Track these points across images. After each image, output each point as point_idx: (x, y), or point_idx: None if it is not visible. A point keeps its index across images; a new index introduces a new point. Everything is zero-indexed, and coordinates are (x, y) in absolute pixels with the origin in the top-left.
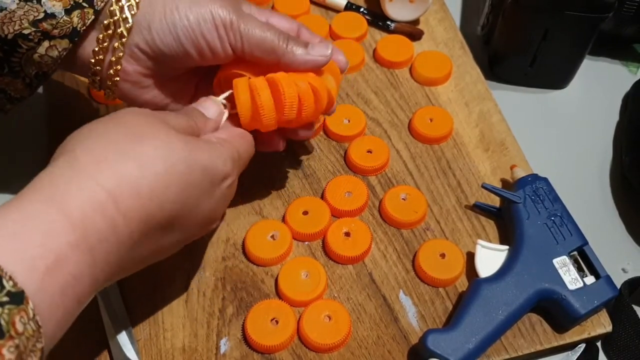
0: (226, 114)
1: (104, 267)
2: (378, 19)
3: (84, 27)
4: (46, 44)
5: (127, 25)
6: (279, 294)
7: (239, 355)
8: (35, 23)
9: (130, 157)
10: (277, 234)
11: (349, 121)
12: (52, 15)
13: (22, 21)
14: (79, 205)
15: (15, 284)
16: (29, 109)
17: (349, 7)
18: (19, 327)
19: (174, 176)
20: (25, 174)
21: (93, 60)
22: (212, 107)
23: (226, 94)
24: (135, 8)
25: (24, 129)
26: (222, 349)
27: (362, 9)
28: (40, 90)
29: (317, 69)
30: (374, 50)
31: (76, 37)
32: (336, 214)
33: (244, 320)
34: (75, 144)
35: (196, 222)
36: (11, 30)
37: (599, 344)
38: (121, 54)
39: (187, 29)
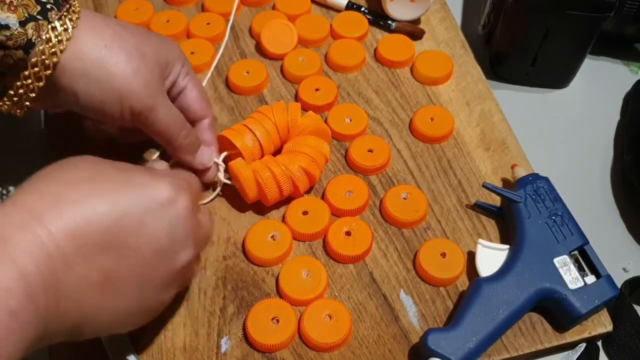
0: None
1: (39, 281)
2: (379, 18)
3: (39, 39)
4: (1, 52)
5: (54, 60)
6: (279, 293)
7: (239, 355)
8: None
9: (55, 179)
10: (277, 234)
11: (350, 120)
12: (7, 27)
13: None
14: (7, 225)
15: None
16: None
17: (350, 6)
18: None
19: (101, 190)
20: (25, 174)
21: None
22: (157, 163)
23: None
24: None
25: (24, 129)
26: (223, 348)
27: (363, 9)
28: None
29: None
30: (375, 50)
31: (30, 48)
32: (337, 214)
33: (245, 319)
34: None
35: (151, 246)
36: None
37: (599, 343)
38: (41, 84)
39: (91, 101)
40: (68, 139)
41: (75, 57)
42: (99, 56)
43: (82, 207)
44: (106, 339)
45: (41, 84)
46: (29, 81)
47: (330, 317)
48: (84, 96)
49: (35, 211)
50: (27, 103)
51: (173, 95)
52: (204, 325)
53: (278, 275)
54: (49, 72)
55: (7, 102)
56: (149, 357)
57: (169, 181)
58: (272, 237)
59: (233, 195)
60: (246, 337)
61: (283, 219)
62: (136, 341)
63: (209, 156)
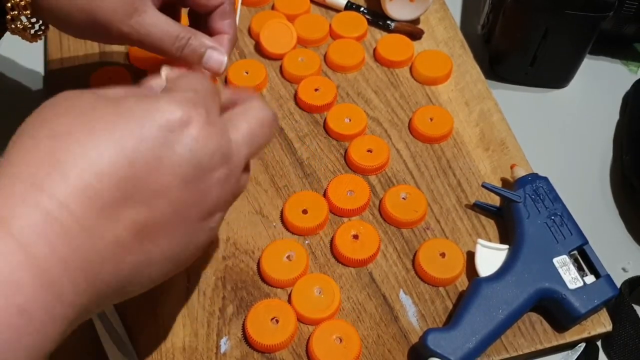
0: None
1: (58, 264)
2: (378, 18)
3: None
4: None
5: None
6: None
7: (239, 355)
8: None
9: (43, 132)
10: (292, 255)
11: (350, 120)
12: None
13: None
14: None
15: None
16: (29, 108)
17: (349, 6)
18: None
19: (100, 133)
20: None
21: None
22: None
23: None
24: None
25: (24, 94)
26: (223, 349)
27: (362, 9)
28: (40, 88)
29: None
30: (374, 50)
31: None
32: (338, 213)
33: (244, 319)
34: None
35: (176, 179)
36: None
37: (599, 343)
38: None
39: (71, 22)
40: None
41: None
42: None
43: (85, 160)
44: (105, 340)
45: None
46: None
47: (341, 340)
48: (65, 16)
49: (33, 178)
50: (27, 23)
51: None
52: (203, 326)
53: (291, 292)
54: None
55: (10, 21)
56: (148, 358)
57: (174, 99)
58: (288, 257)
59: None
60: (246, 337)
61: (281, 217)
62: (135, 342)
63: (218, 60)
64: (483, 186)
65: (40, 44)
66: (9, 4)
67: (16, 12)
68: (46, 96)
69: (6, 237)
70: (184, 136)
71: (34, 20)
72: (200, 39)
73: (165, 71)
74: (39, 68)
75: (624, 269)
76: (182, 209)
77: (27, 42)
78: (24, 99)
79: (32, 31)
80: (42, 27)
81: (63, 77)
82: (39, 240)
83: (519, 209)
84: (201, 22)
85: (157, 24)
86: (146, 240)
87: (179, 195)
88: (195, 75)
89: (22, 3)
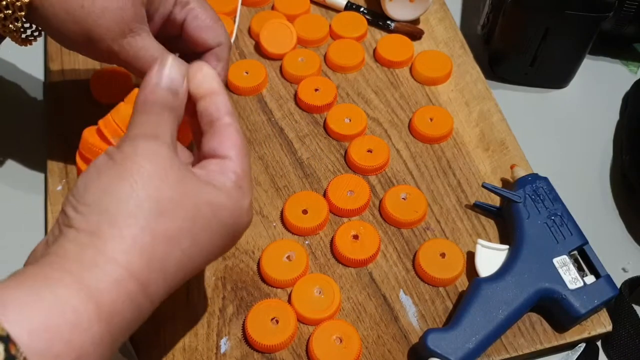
0: None
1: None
2: (378, 18)
3: None
4: None
5: None
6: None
7: (239, 355)
8: None
9: (144, 227)
10: (292, 255)
11: (349, 120)
12: None
13: None
14: (107, 291)
15: None
16: (29, 108)
17: (349, 6)
18: None
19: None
20: (25, 174)
21: None
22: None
23: None
24: None
25: (24, 129)
26: (223, 349)
27: (362, 9)
28: (40, 88)
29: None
30: (374, 50)
31: None
32: (338, 213)
33: (244, 319)
34: (92, 207)
35: (217, 244)
36: None
37: (599, 343)
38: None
39: (62, 37)
40: (68, 112)
41: None
42: None
43: (175, 260)
44: None
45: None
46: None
47: (341, 341)
48: (59, 25)
49: (128, 266)
50: (19, 24)
51: (173, 28)
52: (203, 326)
53: (291, 292)
54: None
55: (2, 20)
56: (148, 358)
57: (248, 207)
58: (288, 257)
59: None
60: (246, 337)
61: (281, 217)
62: (135, 342)
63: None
64: (483, 186)
65: (40, 43)
66: (4, 2)
67: (10, 12)
68: (47, 96)
69: (90, 304)
70: (240, 225)
71: (27, 24)
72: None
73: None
74: (39, 67)
75: (624, 269)
76: (217, 244)
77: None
78: (24, 98)
79: (24, 35)
80: (35, 34)
81: (63, 78)
82: (115, 310)
83: (519, 209)
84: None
85: (149, 48)
86: (183, 268)
87: (213, 251)
88: (243, 149)
89: (18, 4)
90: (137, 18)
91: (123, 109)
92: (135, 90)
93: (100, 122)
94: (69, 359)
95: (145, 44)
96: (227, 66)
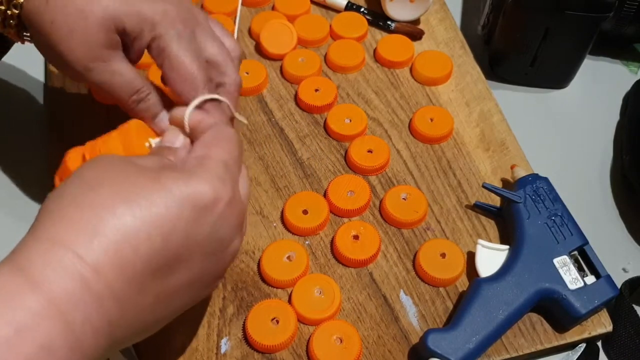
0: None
1: (89, 331)
2: (378, 18)
3: None
4: None
5: None
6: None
7: (239, 355)
8: None
9: (85, 202)
10: (293, 255)
11: (350, 121)
12: None
13: None
14: (40, 266)
15: None
16: (29, 108)
17: (350, 7)
18: None
19: (138, 208)
20: (25, 175)
21: None
22: (174, 137)
23: (193, 105)
24: None
25: (24, 129)
26: (223, 349)
27: (362, 9)
28: (40, 89)
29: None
30: (375, 50)
31: None
32: (338, 213)
33: (245, 319)
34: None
35: (199, 254)
36: None
37: (599, 343)
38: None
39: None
40: (68, 112)
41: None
42: (39, 9)
43: (124, 233)
44: None
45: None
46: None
47: (341, 341)
48: (41, 41)
49: (74, 246)
50: (12, 23)
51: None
52: (203, 326)
53: (291, 292)
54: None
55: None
56: (148, 358)
57: (208, 180)
58: (288, 257)
59: None
60: (246, 337)
61: (281, 217)
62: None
63: (167, 126)
64: (483, 186)
65: None
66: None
67: (3, 7)
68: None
69: (47, 303)
70: (212, 215)
71: (20, 28)
72: (159, 99)
73: (187, 119)
74: (40, 67)
75: (624, 270)
76: (196, 278)
77: (28, 44)
78: (24, 99)
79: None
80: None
81: (64, 78)
82: (77, 308)
83: (519, 209)
84: None
85: (122, 73)
86: (158, 306)
87: (197, 267)
88: (225, 139)
89: (14, 2)
90: (107, 44)
91: (112, 142)
92: (131, 122)
93: (87, 147)
94: (6, 332)
95: (119, 69)
96: (234, 104)
